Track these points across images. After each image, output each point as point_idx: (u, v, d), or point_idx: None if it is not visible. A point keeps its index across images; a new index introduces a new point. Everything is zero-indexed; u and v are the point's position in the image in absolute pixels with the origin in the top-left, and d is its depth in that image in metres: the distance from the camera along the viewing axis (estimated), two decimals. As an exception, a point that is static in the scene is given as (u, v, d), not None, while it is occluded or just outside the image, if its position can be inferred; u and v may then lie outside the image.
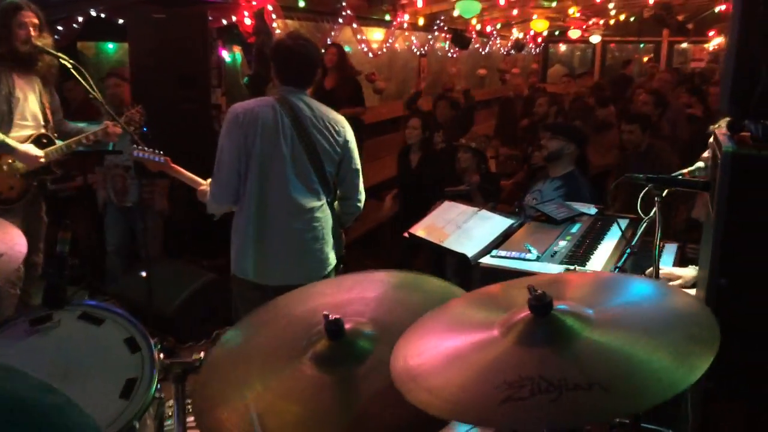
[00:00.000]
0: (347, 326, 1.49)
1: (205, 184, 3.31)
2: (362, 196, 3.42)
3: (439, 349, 1.28)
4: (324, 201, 3.25)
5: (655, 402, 1.04)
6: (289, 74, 3.22)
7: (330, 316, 1.48)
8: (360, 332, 1.52)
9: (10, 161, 3.98)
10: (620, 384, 1.07)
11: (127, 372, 1.55)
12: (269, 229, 3.16)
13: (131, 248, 5.37)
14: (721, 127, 2.37)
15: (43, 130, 4.13)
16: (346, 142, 3.28)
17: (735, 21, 2.09)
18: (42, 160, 4.01)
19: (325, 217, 3.26)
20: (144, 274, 4.24)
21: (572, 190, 4.23)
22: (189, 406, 1.73)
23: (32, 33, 3.96)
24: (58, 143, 4.15)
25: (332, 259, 3.33)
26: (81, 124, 4.44)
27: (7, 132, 3.93)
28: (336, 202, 3.39)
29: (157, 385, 1.55)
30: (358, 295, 1.71)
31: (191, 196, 5.92)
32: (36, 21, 3.99)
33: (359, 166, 3.38)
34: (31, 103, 4.09)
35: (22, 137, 4.01)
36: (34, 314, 1.66)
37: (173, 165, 3.44)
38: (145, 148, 3.44)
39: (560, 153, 4.43)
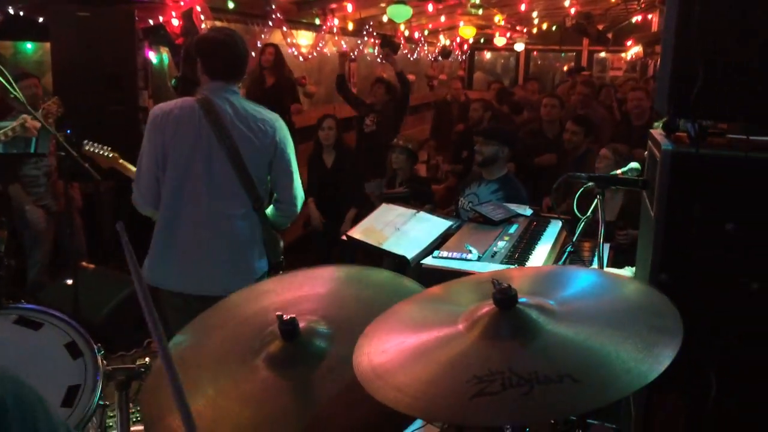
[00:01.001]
0: (301, 325, 1.45)
1: None
2: (299, 200, 3.25)
3: (404, 346, 1.26)
4: (249, 207, 3.08)
5: (625, 393, 1.05)
6: (217, 67, 3.07)
7: (284, 316, 1.44)
8: (314, 330, 1.48)
9: None
10: (591, 376, 1.07)
11: (69, 379, 1.47)
12: (181, 237, 3.02)
13: (57, 257, 5.17)
14: (657, 128, 2.45)
15: None
16: (276, 142, 3.11)
17: (671, 21, 2.14)
18: None
19: (248, 224, 3.10)
20: (70, 281, 4.07)
21: (510, 193, 4.29)
22: (132, 414, 1.65)
23: None
24: None
25: (262, 266, 3.18)
26: None
27: None
28: (270, 206, 3.24)
29: (101, 393, 1.47)
30: (308, 291, 1.68)
31: (117, 201, 5.77)
32: None
33: (294, 167, 3.21)
34: None
35: None
36: (-33, 319, 1.56)
37: (122, 161, 3.37)
38: (95, 144, 3.40)
39: (495, 157, 4.49)
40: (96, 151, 3.40)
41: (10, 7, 5.70)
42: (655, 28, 12.39)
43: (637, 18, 12.82)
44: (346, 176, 5.89)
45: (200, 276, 3.02)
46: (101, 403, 1.56)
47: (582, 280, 1.54)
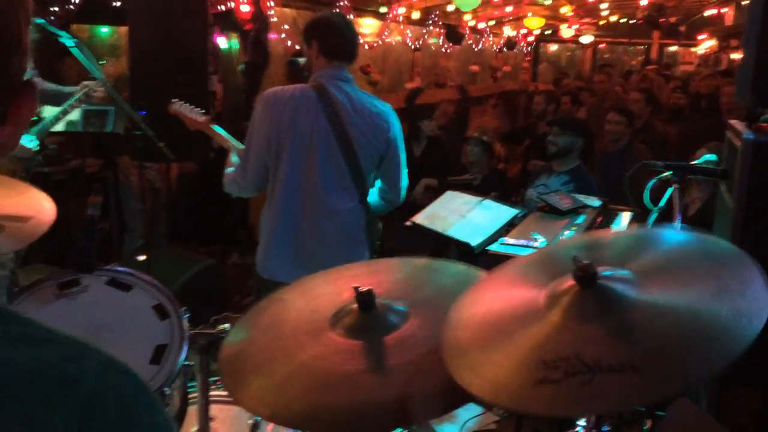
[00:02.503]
0: (378, 301, 1.48)
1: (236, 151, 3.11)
2: (404, 189, 3.15)
3: (485, 323, 1.26)
4: (357, 200, 3.01)
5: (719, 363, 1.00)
6: (336, 47, 2.94)
7: (361, 288, 1.47)
8: (390, 306, 1.51)
9: None
10: (654, 364, 1.04)
11: (157, 338, 1.53)
12: (300, 230, 2.94)
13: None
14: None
15: None
16: (390, 138, 3.00)
17: (756, 11, 2.09)
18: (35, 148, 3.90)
19: (357, 217, 3.02)
20: (143, 257, 4.20)
21: (581, 185, 4.23)
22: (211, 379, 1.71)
23: None
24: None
25: (366, 256, 3.10)
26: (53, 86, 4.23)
27: None
28: (374, 192, 3.14)
29: (186, 353, 1.53)
30: (386, 277, 1.70)
31: (195, 182, 5.92)
32: None
33: (404, 160, 3.10)
34: None
35: None
36: (62, 278, 1.64)
37: (212, 126, 3.21)
38: (185, 104, 3.22)
39: (570, 148, 4.44)
40: (184, 111, 3.21)
41: (88, -8, 5.91)
42: (729, 21, 12.01)
43: (711, 11, 12.45)
44: (433, 168, 5.82)
45: (315, 270, 3.01)
46: (186, 363, 1.63)
47: (666, 241, 1.49)
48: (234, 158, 3.12)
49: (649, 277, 1.20)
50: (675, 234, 1.50)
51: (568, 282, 1.22)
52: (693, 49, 15.99)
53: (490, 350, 1.22)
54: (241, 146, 3.09)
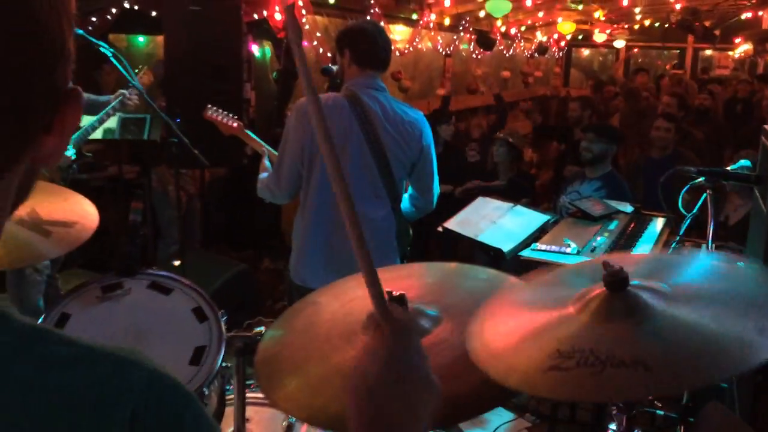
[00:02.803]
0: (410, 304, 1.50)
1: (272, 157, 3.16)
2: (436, 196, 3.17)
3: (513, 326, 1.29)
4: (389, 209, 3.02)
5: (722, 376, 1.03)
6: (369, 55, 2.95)
7: (394, 292, 1.49)
8: (422, 311, 1.53)
9: None
10: (665, 366, 1.08)
11: (196, 340, 1.58)
12: (333, 238, 2.93)
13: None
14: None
15: None
16: (422, 147, 3.02)
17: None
18: (72, 156, 4.00)
19: (389, 225, 3.04)
20: (177, 263, 4.27)
21: (613, 191, 4.22)
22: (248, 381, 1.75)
23: None
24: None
25: (397, 262, 3.12)
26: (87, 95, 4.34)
27: None
28: (405, 198, 3.17)
29: (224, 354, 1.58)
30: (417, 281, 1.72)
31: (227, 188, 6.01)
32: None
33: (435, 167, 3.12)
34: None
35: None
36: (106, 281, 1.69)
37: (246, 131, 3.27)
38: (220, 110, 3.31)
39: (604, 154, 4.44)
40: (219, 117, 3.29)
41: (125, 2, 6.04)
42: (766, 25, 11.83)
43: (747, 14, 12.27)
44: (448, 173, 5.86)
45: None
46: (224, 364, 1.67)
47: (697, 264, 1.51)
48: (267, 163, 3.17)
49: (682, 293, 1.22)
50: (720, 259, 1.51)
51: (599, 287, 1.24)
52: (729, 53, 15.76)
53: (523, 350, 1.25)
54: (275, 152, 3.13)
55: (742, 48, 14.22)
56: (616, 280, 1.22)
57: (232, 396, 1.76)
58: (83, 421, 0.62)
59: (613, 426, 1.49)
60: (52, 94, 0.64)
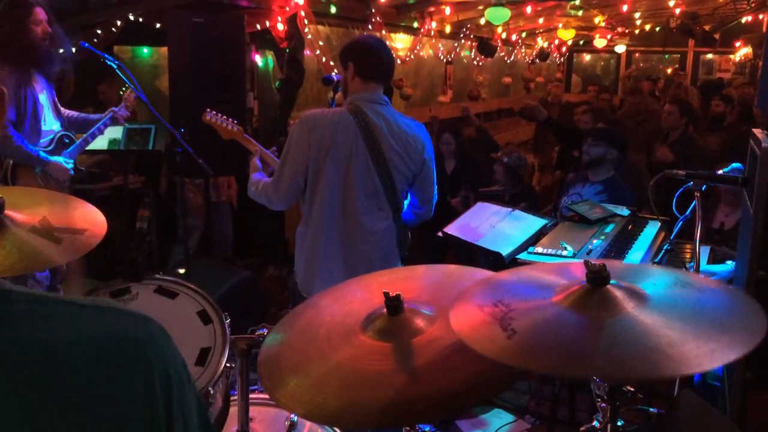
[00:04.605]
0: (406, 304, 1.57)
1: (263, 156, 3.25)
2: (434, 204, 3.24)
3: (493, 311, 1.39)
4: (390, 219, 3.08)
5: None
6: (373, 68, 3.00)
7: (390, 293, 1.56)
8: (418, 310, 1.60)
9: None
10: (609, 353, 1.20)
11: (201, 341, 1.65)
12: (338, 251, 3.02)
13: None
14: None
15: (62, 129, 4.09)
16: (425, 159, 3.09)
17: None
18: (71, 170, 4.04)
19: (391, 235, 3.10)
20: (182, 270, 4.34)
21: (615, 195, 4.27)
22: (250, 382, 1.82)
23: (48, 29, 3.86)
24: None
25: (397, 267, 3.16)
26: (73, 113, 4.38)
27: (35, 142, 3.88)
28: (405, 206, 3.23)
29: (228, 355, 1.64)
30: (414, 283, 1.80)
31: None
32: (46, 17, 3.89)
33: (434, 178, 3.19)
34: (50, 104, 4.03)
35: (46, 142, 3.98)
36: (114, 287, 1.76)
37: (245, 135, 3.32)
38: (218, 114, 3.33)
39: (603, 158, 4.49)
40: (218, 121, 3.31)
41: (130, 14, 6.13)
42: (766, 28, 11.88)
43: (746, 18, 12.32)
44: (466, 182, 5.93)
45: None
46: (228, 365, 1.74)
47: (685, 279, 1.58)
48: (258, 162, 3.24)
49: (659, 302, 1.31)
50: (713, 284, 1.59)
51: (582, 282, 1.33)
52: (730, 57, 15.82)
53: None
54: (267, 151, 3.24)
55: (743, 51, 14.26)
56: (597, 277, 1.29)
57: (236, 397, 1.82)
58: (116, 365, 0.73)
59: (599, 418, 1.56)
60: None
